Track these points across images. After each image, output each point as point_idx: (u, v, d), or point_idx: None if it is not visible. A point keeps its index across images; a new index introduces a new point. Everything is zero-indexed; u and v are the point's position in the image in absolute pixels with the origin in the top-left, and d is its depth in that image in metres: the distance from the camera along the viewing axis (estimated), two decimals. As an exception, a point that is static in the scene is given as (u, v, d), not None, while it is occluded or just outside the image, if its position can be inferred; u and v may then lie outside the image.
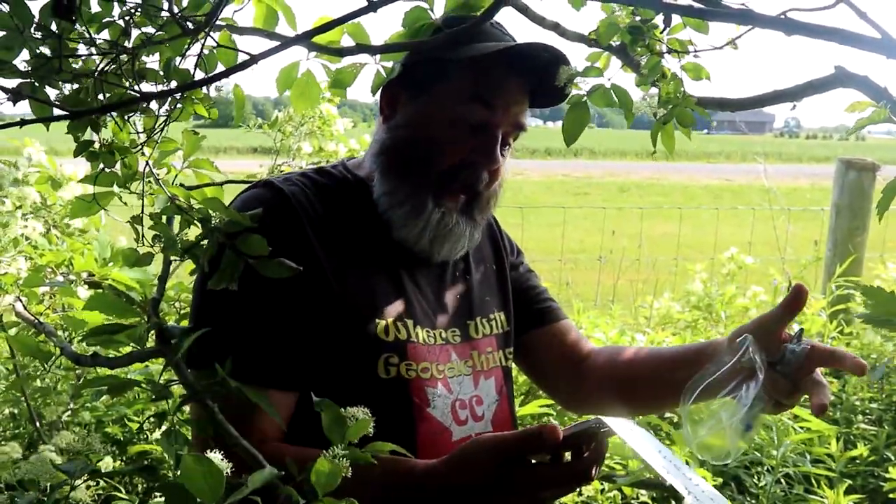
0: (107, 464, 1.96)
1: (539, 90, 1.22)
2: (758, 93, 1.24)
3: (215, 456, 0.65)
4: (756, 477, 2.51)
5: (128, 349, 1.15)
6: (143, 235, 0.93)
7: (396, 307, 1.20)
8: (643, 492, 2.22)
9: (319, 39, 1.10)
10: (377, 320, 1.17)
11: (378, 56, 1.23)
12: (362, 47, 1.08)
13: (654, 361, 1.34)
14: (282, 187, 1.18)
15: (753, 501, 2.47)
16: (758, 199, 4.68)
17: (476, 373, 1.29)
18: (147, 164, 0.98)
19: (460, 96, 1.18)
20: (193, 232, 0.99)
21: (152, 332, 1.11)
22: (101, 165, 1.03)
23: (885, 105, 0.75)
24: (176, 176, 1.22)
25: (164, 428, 1.05)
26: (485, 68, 1.17)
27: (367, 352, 1.16)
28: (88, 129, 0.98)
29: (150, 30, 0.94)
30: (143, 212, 0.95)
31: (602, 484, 2.17)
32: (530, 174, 20.77)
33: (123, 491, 2.02)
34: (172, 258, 1.29)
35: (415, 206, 1.19)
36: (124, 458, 2.08)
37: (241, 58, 0.85)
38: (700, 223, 6.92)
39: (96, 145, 0.98)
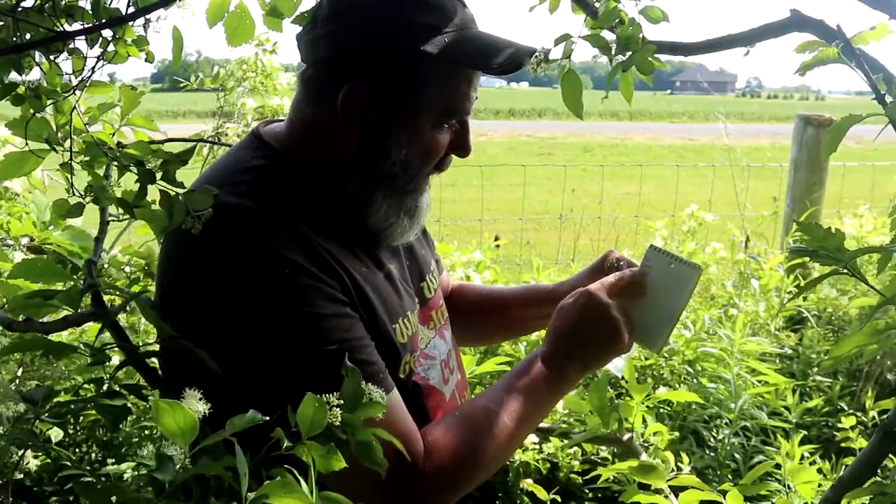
0: (57, 433, 1.91)
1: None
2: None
3: (193, 396, 0.62)
4: (714, 430, 2.55)
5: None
6: (72, 185, 0.88)
7: (399, 303, 1.16)
8: (603, 448, 2.24)
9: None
10: (393, 325, 1.12)
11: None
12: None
13: (508, 299, 1.51)
14: (265, 211, 1.03)
15: (712, 454, 2.50)
16: (720, 157, 4.71)
17: (438, 331, 1.27)
18: (75, 108, 0.92)
19: (442, 102, 1.08)
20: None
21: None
22: (32, 111, 0.96)
23: (837, 45, 0.72)
24: (114, 133, 1.16)
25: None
26: (462, 72, 1.08)
27: (394, 362, 1.11)
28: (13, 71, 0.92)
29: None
30: (71, 158, 0.89)
31: (561, 441, 2.18)
32: (493, 135, 20.68)
33: (73, 460, 1.98)
34: (110, 218, 1.23)
35: (411, 213, 1.15)
36: (77, 427, 2.04)
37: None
38: (662, 182, 6.95)
39: (21, 88, 0.92)
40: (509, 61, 1.05)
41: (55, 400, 1.77)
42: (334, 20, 1.06)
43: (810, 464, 2.12)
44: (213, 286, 0.98)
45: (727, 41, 1.07)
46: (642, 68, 1.10)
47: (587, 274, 1.36)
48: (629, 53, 1.09)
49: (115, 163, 0.85)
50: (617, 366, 1.58)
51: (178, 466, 0.57)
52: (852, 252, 0.68)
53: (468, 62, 1.06)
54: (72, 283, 1.13)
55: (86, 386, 1.03)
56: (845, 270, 0.69)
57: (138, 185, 0.85)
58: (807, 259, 0.78)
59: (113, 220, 1.13)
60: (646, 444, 1.54)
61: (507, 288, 1.63)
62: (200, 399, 0.62)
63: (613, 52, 1.08)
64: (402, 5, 1.05)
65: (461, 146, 1.14)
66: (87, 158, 0.88)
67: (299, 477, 0.61)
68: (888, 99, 0.76)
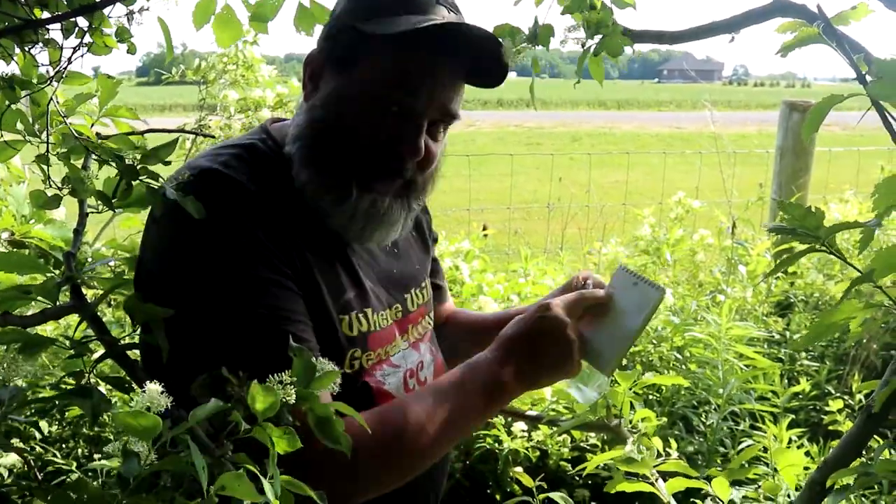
0: (43, 428, 1.90)
1: (478, 70, 1.13)
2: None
3: (153, 388, 0.62)
4: (703, 415, 2.56)
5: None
6: (49, 177, 0.87)
7: (356, 298, 1.14)
8: (592, 434, 2.24)
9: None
10: (341, 316, 1.11)
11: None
12: (281, -23, 1.03)
13: (492, 323, 1.45)
14: (233, 176, 1.05)
15: (701, 439, 2.51)
16: (707, 145, 4.72)
17: (413, 343, 1.27)
18: (51, 99, 0.90)
19: (381, 78, 1.07)
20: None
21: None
22: (7, 103, 0.95)
23: (818, 25, 0.72)
24: (93, 124, 1.14)
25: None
26: (408, 49, 1.06)
27: (335, 351, 1.09)
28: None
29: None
30: (47, 151, 0.88)
31: (550, 428, 2.18)
32: (482, 125, 20.69)
33: (60, 456, 1.96)
34: (90, 210, 1.22)
35: (339, 193, 1.10)
36: (62, 422, 2.02)
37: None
38: (649, 170, 6.96)
39: (-6, 79, 0.90)
40: (444, 33, 1.04)
41: (40, 395, 1.75)
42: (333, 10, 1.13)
43: (798, 447, 2.13)
44: (163, 242, 1.02)
45: (711, 28, 1.07)
46: (611, 51, 1.09)
47: (558, 293, 1.32)
48: (599, 38, 1.08)
49: (94, 155, 0.83)
50: (587, 397, 1.53)
51: (145, 461, 0.57)
52: (829, 228, 0.68)
53: (396, 44, 1.05)
54: (50, 276, 1.12)
55: (67, 380, 1.02)
56: (823, 248, 0.68)
57: (119, 177, 0.84)
58: (793, 244, 0.78)
59: (93, 213, 1.11)
60: (634, 431, 1.55)
61: (491, 313, 1.63)
62: (162, 392, 0.62)
63: (585, 35, 1.07)
64: None
65: (410, 143, 1.10)
66: (64, 150, 0.87)
67: (255, 469, 0.61)
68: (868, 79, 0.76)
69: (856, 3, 0.79)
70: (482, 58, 1.09)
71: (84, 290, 1.07)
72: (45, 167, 0.88)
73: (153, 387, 0.66)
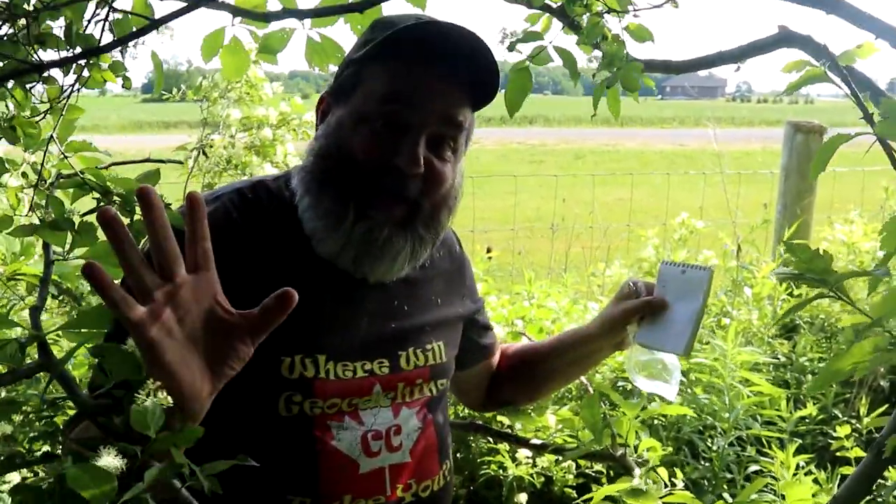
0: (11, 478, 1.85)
1: (477, 89, 1.13)
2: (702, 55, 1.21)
3: (107, 456, 0.61)
4: (709, 441, 2.53)
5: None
6: (32, 206, 0.87)
7: (308, 341, 1.10)
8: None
9: (244, 3, 1.05)
10: (282, 357, 1.08)
11: (308, 22, 1.17)
12: (289, 11, 1.04)
13: (537, 354, 1.52)
14: (221, 194, 1.14)
15: (707, 464, 2.49)
16: (711, 164, 4.71)
17: (396, 405, 1.19)
18: (51, 137, 0.90)
19: (374, 96, 1.09)
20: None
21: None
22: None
23: (824, 64, 0.72)
24: (52, 164, 1.11)
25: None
26: (395, 61, 1.09)
27: (267, 390, 1.07)
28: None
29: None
30: (38, 183, 0.88)
31: (556, 457, 2.17)
32: (485, 143, 20.76)
33: None
34: (55, 257, 1.17)
35: (334, 217, 1.10)
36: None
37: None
38: (653, 189, 6.96)
39: (-6, 120, 0.91)
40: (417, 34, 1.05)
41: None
42: None
43: (805, 474, 2.11)
44: None
45: (717, 58, 1.07)
46: (628, 85, 1.09)
47: (611, 304, 1.38)
48: (614, 69, 1.08)
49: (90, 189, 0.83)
50: (673, 390, 1.42)
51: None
52: (838, 276, 0.67)
53: (383, 60, 1.09)
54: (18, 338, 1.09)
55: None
56: (832, 294, 0.68)
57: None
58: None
59: (59, 260, 1.08)
60: (639, 461, 1.53)
61: (539, 342, 1.64)
62: (116, 455, 0.61)
63: (598, 68, 1.08)
64: (370, 28, 1.14)
65: (406, 154, 1.07)
66: (53, 184, 0.87)
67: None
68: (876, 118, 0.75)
69: (861, 42, 0.79)
70: (475, 62, 1.09)
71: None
72: (27, 197, 0.88)
73: (107, 455, 0.64)
